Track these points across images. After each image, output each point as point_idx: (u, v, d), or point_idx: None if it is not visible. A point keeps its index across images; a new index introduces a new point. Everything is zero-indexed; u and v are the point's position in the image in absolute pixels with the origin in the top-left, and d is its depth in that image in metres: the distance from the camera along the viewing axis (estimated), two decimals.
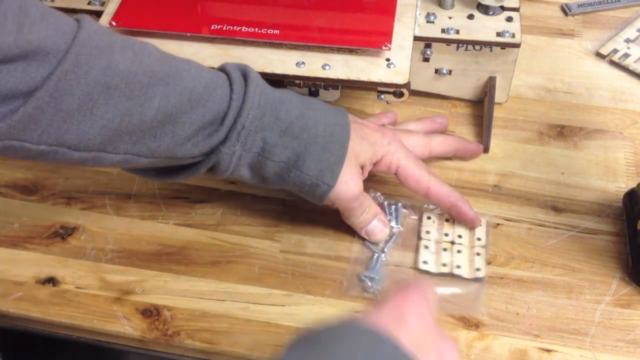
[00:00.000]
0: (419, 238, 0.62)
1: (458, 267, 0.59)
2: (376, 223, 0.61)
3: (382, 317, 0.43)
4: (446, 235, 0.62)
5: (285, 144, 0.55)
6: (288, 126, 0.55)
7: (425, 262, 0.60)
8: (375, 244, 0.61)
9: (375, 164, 0.60)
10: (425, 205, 0.63)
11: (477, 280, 0.59)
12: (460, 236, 0.62)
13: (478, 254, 0.60)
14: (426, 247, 0.61)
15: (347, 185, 0.58)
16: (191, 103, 0.53)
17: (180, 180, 0.59)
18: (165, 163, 0.56)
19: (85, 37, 0.48)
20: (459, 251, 0.61)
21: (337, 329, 0.41)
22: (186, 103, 0.52)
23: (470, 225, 0.62)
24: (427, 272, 0.60)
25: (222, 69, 0.57)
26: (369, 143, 0.59)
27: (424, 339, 0.43)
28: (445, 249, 0.61)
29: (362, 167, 0.59)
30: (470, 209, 0.61)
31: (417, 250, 0.61)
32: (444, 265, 0.60)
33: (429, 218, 0.63)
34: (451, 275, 0.59)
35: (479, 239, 0.61)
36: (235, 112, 0.54)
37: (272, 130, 0.55)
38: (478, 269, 0.59)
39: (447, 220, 0.63)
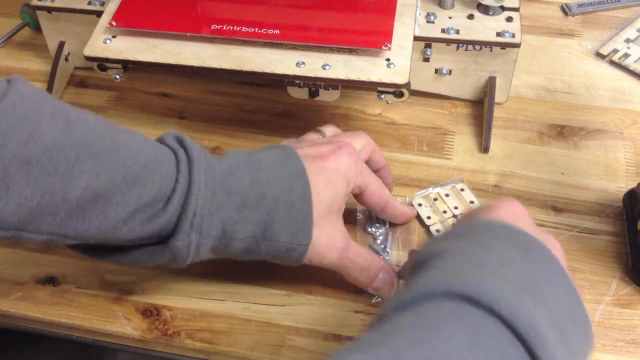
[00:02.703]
0: (425, 226, 0.63)
1: None
2: (384, 275, 0.57)
3: (501, 214, 0.47)
4: (444, 212, 0.63)
5: (246, 218, 0.51)
6: (244, 198, 0.51)
7: None
8: (377, 244, 0.61)
9: None
10: (409, 197, 0.64)
11: None
12: (456, 207, 0.63)
13: None
14: (437, 230, 0.62)
15: (331, 239, 0.53)
16: (126, 182, 0.47)
17: (127, 263, 0.52)
18: (104, 242, 0.50)
19: (9, 106, 0.44)
20: None
21: (469, 223, 0.47)
22: (120, 181, 0.47)
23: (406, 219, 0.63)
24: None
25: (163, 141, 0.52)
26: (340, 179, 0.54)
27: (537, 232, 0.47)
28: (454, 225, 0.61)
29: (340, 210, 0.55)
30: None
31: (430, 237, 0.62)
32: None
33: (420, 205, 0.64)
34: None
35: (472, 202, 0.64)
36: (182, 198, 0.49)
37: (228, 208, 0.50)
38: None
39: (435, 200, 0.64)
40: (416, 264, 0.46)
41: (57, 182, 0.45)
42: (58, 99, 0.48)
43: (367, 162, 0.59)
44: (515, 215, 0.47)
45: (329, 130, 0.61)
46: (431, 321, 0.38)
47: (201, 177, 0.49)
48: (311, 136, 0.60)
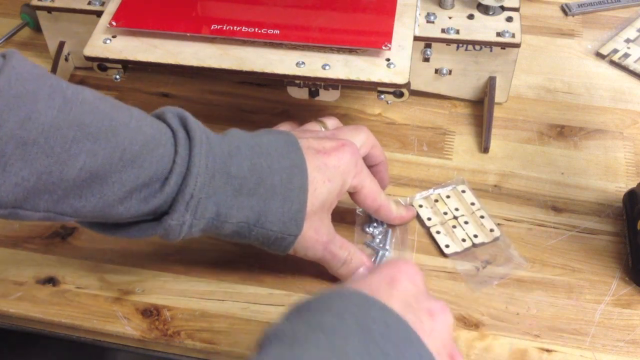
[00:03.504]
0: (426, 227, 0.62)
1: (475, 236, 0.61)
2: (362, 272, 0.57)
3: (373, 283, 0.44)
4: (445, 213, 0.63)
5: (241, 204, 0.51)
6: (242, 183, 0.51)
7: (447, 246, 0.61)
8: (376, 242, 0.61)
9: None
10: (410, 197, 0.65)
11: (496, 239, 0.61)
12: (457, 209, 0.63)
13: (482, 217, 0.62)
14: (438, 232, 0.62)
15: (317, 232, 0.54)
16: (123, 162, 0.47)
17: (123, 237, 0.52)
18: (99, 220, 0.51)
19: (4, 85, 0.44)
20: (466, 222, 0.62)
21: (327, 295, 0.42)
22: (117, 162, 0.47)
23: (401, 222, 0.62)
24: (455, 254, 0.61)
25: (163, 119, 0.52)
26: (338, 177, 0.54)
27: (414, 300, 0.43)
28: (454, 227, 0.62)
29: (332, 206, 0.55)
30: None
31: (433, 240, 0.62)
32: (464, 240, 0.61)
33: (420, 206, 0.64)
34: (474, 246, 0.61)
35: (472, 204, 0.63)
36: (180, 179, 0.49)
37: (225, 191, 0.50)
38: (492, 230, 0.61)
39: (436, 201, 0.64)
40: (264, 342, 0.40)
41: (54, 162, 0.45)
42: (56, 76, 0.48)
43: (366, 157, 0.59)
44: (389, 280, 0.44)
45: (331, 122, 0.61)
46: None
47: (202, 159, 0.49)
48: (313, 127, 0.60)
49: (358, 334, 0.38)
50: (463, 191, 0.65)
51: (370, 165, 0.60)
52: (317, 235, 0.54)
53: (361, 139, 0.58)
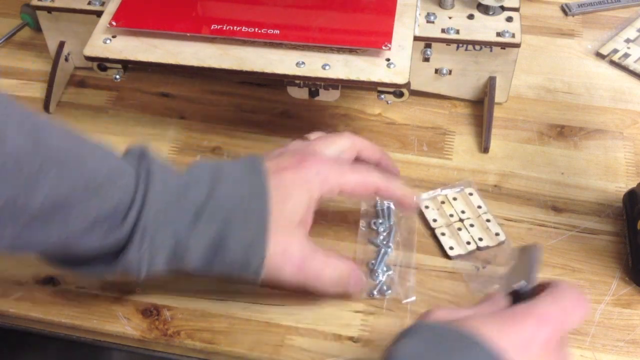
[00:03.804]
0: (430, 229, 0.62)
1: (480, 239, 0.61)
2: (355, 282, 0.56)
3: (510, 337, 0.42)
4: (451, 216, 0.63)
5: (199, 232, 0.50)
6: (198, 212, 0.50)
7: (451, 248, 0.61)
8: (380, 240, 0.61)
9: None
10: (416, 197, 0.64)
11: (502, 243, 0.61)
12: (463, 211, 0.63)
13: (488, 220, 0.62)
14: (443, 234, 0.62)
15: (287, 250, 0.52)
16: (88, 192, 0.47)
17: (85, 274, 0.53)
18: (61, 254, 0.51)
19: None
20: (471, 225, 0.62)
21: (462, 338, 0.42)
22: (82, 190, 0.47)
23: (408, 206, 0.59)
24: (459, 256, 0.60)
25: (128, 153, 0.52)
26: (299, 191, 0.53)
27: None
28: (459, 229, 0.62)
29: (303, 222, 0.54)
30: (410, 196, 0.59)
31: (436, 241, 0.62)
32: (468, 243, 0.61)
33: (426, 207, 0.64)
34: (478, 249, 0.61)
35: (479, 207, 0.63)
36: (137, 212, 0.49)
37: (182, 221, 0.50)
38: (497, 234, 0.61)
39: (442, 202, 0.64)
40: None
41: (22, 187, 0.45)
42: (27, 107, 0.48)
43: (360, 161, 0.59)
44: (524, 347, 0.42)
45: (314, 136, 0.60)
46: None
47: (156, 192, 0.50)
48: (295, 144, 0.59)
49: None
50: (470, 194, 0.64)
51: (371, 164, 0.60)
52: (286, 255, 0.52)
53: (341, 144, 0.58)
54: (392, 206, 0.64)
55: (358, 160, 0.59)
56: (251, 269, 0.52)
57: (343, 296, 0.57)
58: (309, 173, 0.54)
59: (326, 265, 0.54)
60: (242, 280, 0.53)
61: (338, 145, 0.58)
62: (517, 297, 0.47)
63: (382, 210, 0.63)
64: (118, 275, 0.51)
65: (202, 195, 0.51)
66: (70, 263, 0.52)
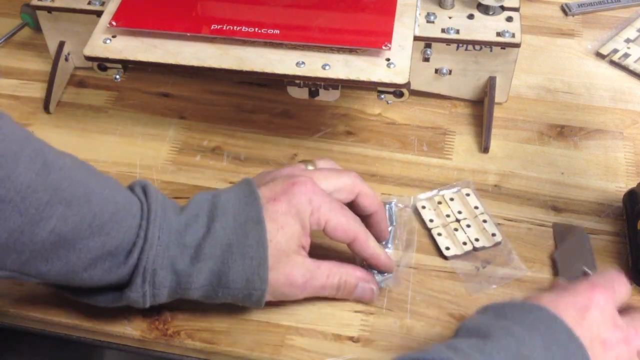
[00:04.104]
0: (427, 229, 0.62)
1: (476, 240, 0.61)
2: (362, 285, 0.57)
3: (565, 304, 0.47)
4: (448, 216, 0.63)
5: (200, 269, 0.52)
6: (197, 250, 0.52)
7: (447, 249, 0.61)
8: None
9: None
10: (414, 197, 0.64)
11: (498, 244, 0.61)
12: (460, 212, 0.63)
13: (484, 221, 0.62)
14: (439, 234, 0.62)
15: (289, 278, 0.53)
16: (92, 229, 0.49)
17: (89, 303, 0.54)
18: (66, 283, 0.52)
19: None
20: (468, 225, 0.62)
21: (522, 306, 0.48)
22: (86, 228, 0.49)
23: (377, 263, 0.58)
24: (455, 256, 0.60)
25: (133, 191, 0.53)
26: (293, 221, 0.53)
27: (597, 328, 0.47)
28: (456, 229, 0.62)
29: (302, 246, 0.54)
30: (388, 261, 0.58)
31: (433, 241, 0.62)
32: (465, 243, 0.61)
33: (423, 207, 0.64)
34: (474, 250, 0.61)
35: (476, 208, 0.63)
36: (139, 251, 0.51)
37: (182, 260, 0.52)
38: (494, 234, 0.61)
39: (439, 203, 0.64)
40: (461, 331, 0.47)
41: (27, 222, 0.46)
42: (40, 140, 0.50)
43: (355, 206, 0.58)
44: (580, 307, 0.48)
45: (322, 163, 0.60)
46: None
47: (155, 232, 0.51)
48: (291, 169, 0.58)
49: (542, 350, 0.44)
50: (467, 194, 0.64)
51: (362, 215, 0.58)
52: (289, 281, 0.53)
53: (341, 182, 0.57)
54: (393, 207, 0.64)
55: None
56: (254, 299, 0.53)
57: (356, 300, 0.58)
58: (301, 201, 0.54)
59: (330, 274, 0.55)
60: (246, 305, 0.55)
61: (337, 182, 0.57)
62: None
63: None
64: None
65: (201, 232, 0.52)
66: (74, 292, 0.54)
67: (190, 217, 0.53)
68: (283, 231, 0.53)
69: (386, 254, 0.58)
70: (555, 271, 0.60)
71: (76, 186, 0.49)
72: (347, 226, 0.55)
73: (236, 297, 0.53)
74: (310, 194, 0.54)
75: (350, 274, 0.56)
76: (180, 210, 0.54)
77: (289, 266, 0.53)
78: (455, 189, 0.65)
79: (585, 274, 0.57)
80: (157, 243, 0.51)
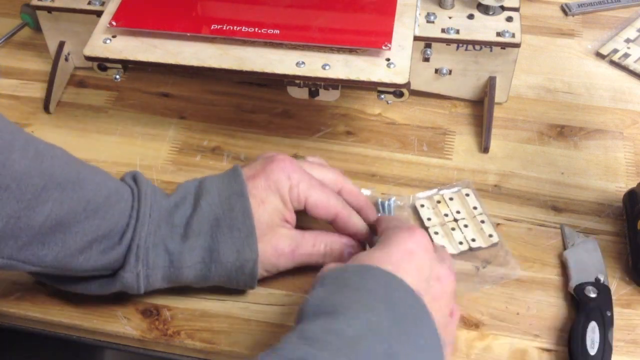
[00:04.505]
0: (425, 228, 0.62)
1: (473, 240, 0.61)
2: (349, 251, 0.57)
3: (394, 257, 0.48)
4: (446, 215, 0.63)
5: (191, 246, 0.53)
6: (186, 228, 0.54)
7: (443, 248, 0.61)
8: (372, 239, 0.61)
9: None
10: (413, 196, 0.64)
11: (494, 245, 0.61)
12: (458, 212, 0.63)
13: (482, 221, 0.62)
14: (436, 233, 0.62)
15: (276, 249, 0.55)
16: (87, 212, 0.50)
17: (83, 292, 0.56)
18: (59, 273, 0.53)
19: None
20: (465, 225, 0.62)
21: (359, 271, 0.48)
22: (81, 211, 0.50)
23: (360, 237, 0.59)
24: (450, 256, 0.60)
25: (123, 179, 0.55)
26: (273, 196, 0.55)
27: (427, 268, 0.49)
28: (453, 229, 0.62)
29: (286, 220, 0.56)
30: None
31: (430, 240, 0.61)
32: (461, 243, 0.61)
33: (422, 206, 0.64)
34: (470, 250, 0.61)
35: (475, 208, 0.63)
36: (132, 230, 0.52)
37: (173, 239, 0.53)
38: (490, 235, 0.61)
39: (438, 202, 0.64)
40: (307, 311, 0.46)
41: (24, 208, 0.47)
42: (28, 133, 0.51)
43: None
44: (408, 253, 0.49)
45: (311, 158, 0.62)
46: None
47: (146, 211, 0.53)
48: (281, 154, 0.59)
49: (388, 312, 0.44)
50: (467, 194, 0.64)
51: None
52: (277, 251, 0.55)
53: (324, 175, 0.58)
54: (392, 203, 0.64)
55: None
56: (247, 271, 0.54)
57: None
58: (280, 177, 0.55)
59: (315, 242, 0.57)
60: (240, 286, 0.56)
61: (321, 174, 0.58)
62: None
63: (383, 206, 0.63)
64: (118, 290, 0.54)
65: (188, 211, 0.54)
66: (67, 282, 0.55)
67: (178, 199, 0.55)
68: (264, 206, 0.54)
69: (369, 230, 0.59)
70: (563, 271, 0.60)
71: (69, 172, 0.50)
72: (327, 202, 0.56)
73: (229, 272, 0.54)
74: (289, 170, 0.56)
75: (335, 241, 0.57)
76: (169, 195, 0.56)
77: (275, 238, 0.55)
78: (455, 189, 0.65)
79: (597, 281, 0.57)
80: (149, 221, 0.53)
